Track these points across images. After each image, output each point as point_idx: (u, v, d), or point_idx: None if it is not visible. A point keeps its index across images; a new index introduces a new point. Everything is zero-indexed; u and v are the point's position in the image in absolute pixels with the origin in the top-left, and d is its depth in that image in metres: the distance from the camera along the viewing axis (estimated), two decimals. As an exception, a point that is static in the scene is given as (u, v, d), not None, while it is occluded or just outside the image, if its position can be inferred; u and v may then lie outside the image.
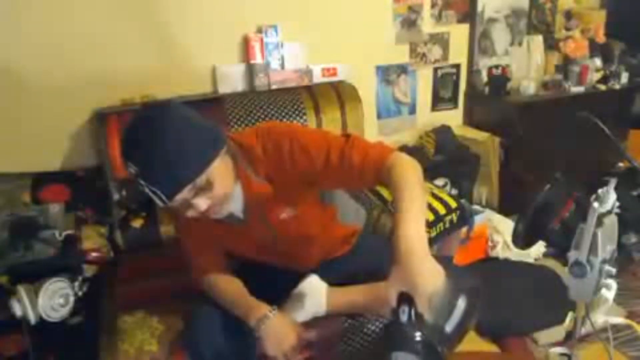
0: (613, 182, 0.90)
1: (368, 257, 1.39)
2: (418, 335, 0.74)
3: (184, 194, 1.03)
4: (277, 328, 1.21)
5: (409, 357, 0.74)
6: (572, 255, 0.89)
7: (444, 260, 1.14)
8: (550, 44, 2.93)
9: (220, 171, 1.07)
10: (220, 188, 1.07)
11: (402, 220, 0.85)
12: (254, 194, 1.18)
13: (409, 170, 0.98)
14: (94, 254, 1.70)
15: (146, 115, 1.04)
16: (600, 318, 1.01)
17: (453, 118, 2.89)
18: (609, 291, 0.93)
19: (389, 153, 1.05)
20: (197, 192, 1.05)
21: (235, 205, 1.19)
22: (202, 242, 1.30)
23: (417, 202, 0.90)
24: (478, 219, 2.39)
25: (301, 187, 1.19)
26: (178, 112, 1.05)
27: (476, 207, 2.59)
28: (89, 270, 1.64)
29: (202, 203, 1.06)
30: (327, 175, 1.11)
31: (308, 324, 1.29)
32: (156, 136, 0.99)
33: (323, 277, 1.37)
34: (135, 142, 1.01)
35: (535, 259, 2.44)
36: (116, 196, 1.84)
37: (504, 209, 2.67)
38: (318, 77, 2.35)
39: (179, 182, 1.01)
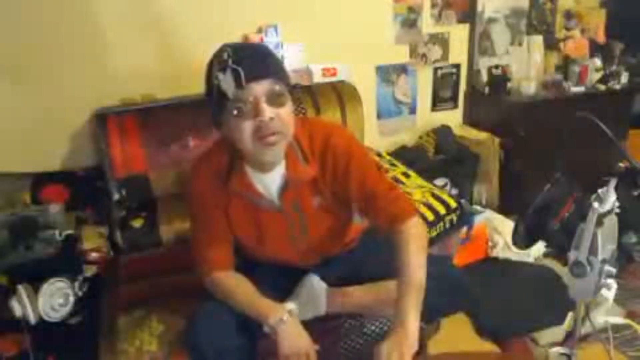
0: (613, 182, 0.90)
1: (368, 256, 1.40)
2: None
3: (259, 88, 1.06)
4: (296, 329, 1.20)
5: None
6: (572, 255, 0.89)
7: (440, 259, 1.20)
8: (550, 44, 2.93)
9: (290, 108, 1.13)
10: (287, 115, 1.11)
11: (405, 309, 1.05)
12: (296, 175, 1.21)
13: (417, 242, 1.16)
14: (94, 254, 1.70)
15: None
16: (600, 318, 1.01)
17: (453, 118, 2.89)
18: (609, 291, 0.93)
19: (411, 215, 1.21)
20: (270, 98, 1.07)
21: (274, 184, 1.23)
22: (219, 230, 1.27)
23: (416, 287, 1.08)
24: (478, 219, 2.39)
25: (336, 183, 1.25)
26: None
27: (476, 207, 2.59)
28: (89, 270, 1.64)
29: (269, 111, 1.07)
30: (354, 195, 1.24)
31: (307, 324, 1.29)
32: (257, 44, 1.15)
33: (324, 275, 1.38)
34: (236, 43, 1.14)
35: (535, 259, 2.43)
36: (116, 196, 1.84)
37: (504, 209, 2.66)
38: (318, 77, 2.34)
39: (264, 69, 1.08)
